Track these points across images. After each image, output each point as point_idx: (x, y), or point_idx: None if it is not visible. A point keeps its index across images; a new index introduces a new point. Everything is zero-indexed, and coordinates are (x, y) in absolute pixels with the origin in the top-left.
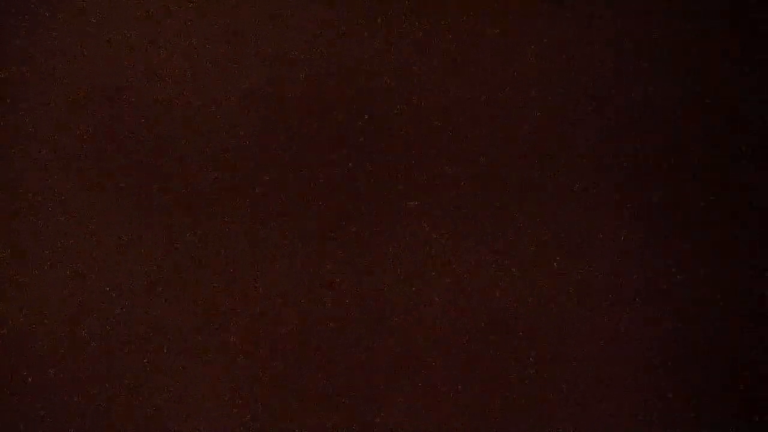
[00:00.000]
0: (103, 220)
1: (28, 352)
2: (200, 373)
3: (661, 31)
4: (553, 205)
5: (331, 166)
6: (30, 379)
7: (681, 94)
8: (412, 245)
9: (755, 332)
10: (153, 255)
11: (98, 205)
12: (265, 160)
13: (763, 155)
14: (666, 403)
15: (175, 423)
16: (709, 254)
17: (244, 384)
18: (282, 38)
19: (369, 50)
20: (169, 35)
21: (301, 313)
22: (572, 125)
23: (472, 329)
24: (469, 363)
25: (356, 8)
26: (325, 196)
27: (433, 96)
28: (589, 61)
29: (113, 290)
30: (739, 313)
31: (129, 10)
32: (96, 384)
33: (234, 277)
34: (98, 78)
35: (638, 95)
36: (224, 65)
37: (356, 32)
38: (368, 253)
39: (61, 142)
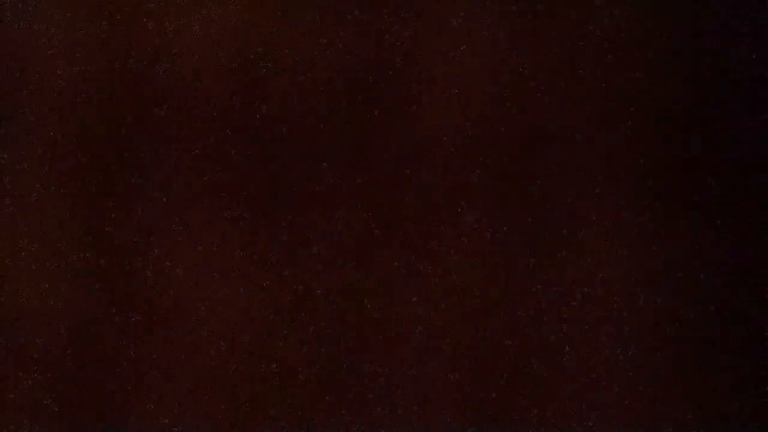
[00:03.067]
0: (83, 215)
1: (15, 348)
2: (183, 367)
3: (664, 28)
4: (549, 202)
5: (330, 162)
6: (13, 375)
7: (682, 92)
8: (410, 241)
9: (756, 332)
10: (145, 249)
11: (75, 199)
12: (258, 155)
13: (763, 154)
14: (664, 403)
15: (160, 417)
16: (710, 254)
17: (228, 379)
18: (277, 33)
19: (368, 43)
20: (161, 31)
21: (292, 309)
22: (571, 124)
23: (467, 327)
24: (465, 362)
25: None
26: (321, 193)
27: (432, 90)
28: (588, 59)
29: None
30: (739, 313)
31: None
32: (79, 380)
33: (226, 269)
34: (90, 74)
35: (640, 93)
36: (219, 61)
37: (355, 25)
38: (363, 248)
39: (52, 137)
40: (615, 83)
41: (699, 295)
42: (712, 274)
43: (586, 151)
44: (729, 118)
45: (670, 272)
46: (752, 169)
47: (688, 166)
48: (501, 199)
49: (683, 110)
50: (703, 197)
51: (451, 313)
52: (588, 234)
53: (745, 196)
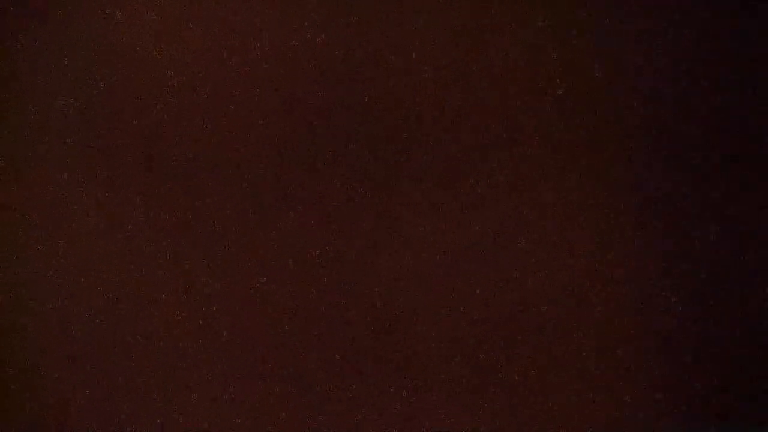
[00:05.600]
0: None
1: (24, 349)
2: (195, 366)
3: (662, 28)
4: (547, 203)
5: (332, 157)
6: (25, 377)
7: (681, 92)
8: (410, 238)
9: (756, 332)
10: (151, 249)
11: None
12: (263, 153)
13: (763, 154)
14: (663, 403)
15: (172, 418)
16: (710, 253)
17: (240, 378)
18: (280, 32)
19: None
20: (165, 31)
21: (301, 308)
22: (569, 124)
23: (467, 328)
24: (463, 362)
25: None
26: (323, 190)
27: (427, 92)
28: (586, 58)
29: (104, 288)
30: (740, 313)
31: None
32: (93, 382)
33: (234, 271)
34: (100, 75)
35: (639, 93)
36: (221, 60)
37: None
38: (363, 246)
39: (63, 136)
40: (611, 82)
41: (701, 295)
42: (713, 275)
43: (581, 150)
44: (728, 117)
45: (671, 272)
46: (750, 170)
47: (689, 168)
48: (494, 201)
49: (682, 111)
50: (701, 196)
51: (450, 314)
52: (583, 234)
53: (744, 198)
